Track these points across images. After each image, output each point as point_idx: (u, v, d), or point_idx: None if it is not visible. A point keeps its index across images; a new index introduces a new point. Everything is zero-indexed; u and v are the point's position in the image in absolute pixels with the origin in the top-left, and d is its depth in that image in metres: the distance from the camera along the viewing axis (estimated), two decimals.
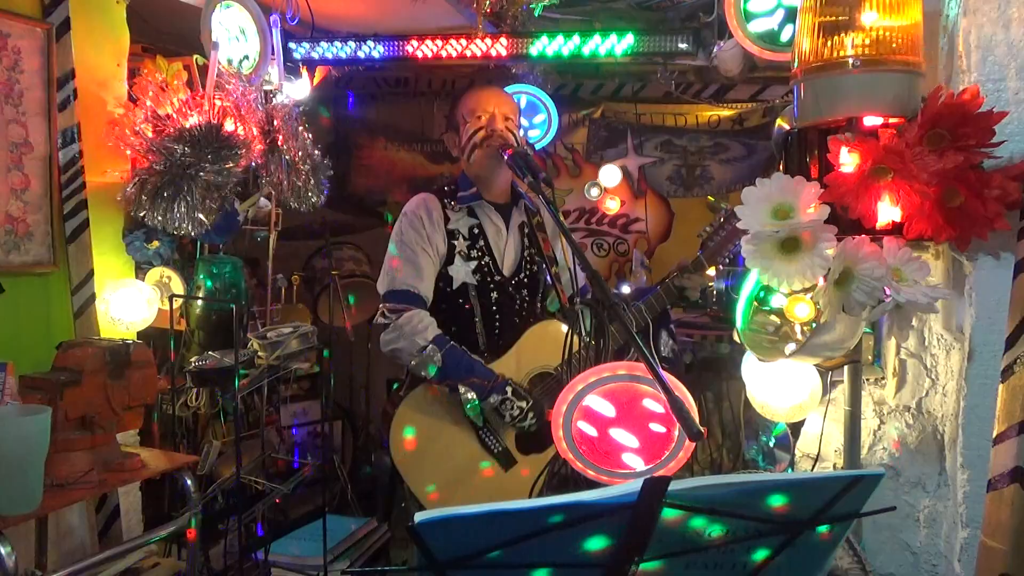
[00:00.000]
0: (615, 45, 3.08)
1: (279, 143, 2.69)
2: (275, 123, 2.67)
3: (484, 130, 2.15)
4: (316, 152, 2.85)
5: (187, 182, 2.38)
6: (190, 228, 2.43)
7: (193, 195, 2.38)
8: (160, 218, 2.39)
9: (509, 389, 2.02)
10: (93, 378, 2.01)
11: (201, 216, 2.41)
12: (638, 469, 1.39)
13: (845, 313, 1.59)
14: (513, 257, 2.25)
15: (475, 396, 2.01)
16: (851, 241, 1.56)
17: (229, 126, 2.52)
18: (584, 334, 1.54)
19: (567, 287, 2.22)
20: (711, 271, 2.04)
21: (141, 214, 2.42)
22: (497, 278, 2.21)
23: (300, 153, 2.74)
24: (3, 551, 1.68)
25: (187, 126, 2.43)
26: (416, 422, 2.12)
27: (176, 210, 2.38)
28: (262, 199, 2.96)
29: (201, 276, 2.78)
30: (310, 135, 2.81)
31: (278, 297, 3.36)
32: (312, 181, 2.80)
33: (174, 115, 2.47)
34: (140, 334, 2.64)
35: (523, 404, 2.01)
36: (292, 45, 3.34)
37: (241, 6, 2.75)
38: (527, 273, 2.25)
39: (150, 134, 2.48)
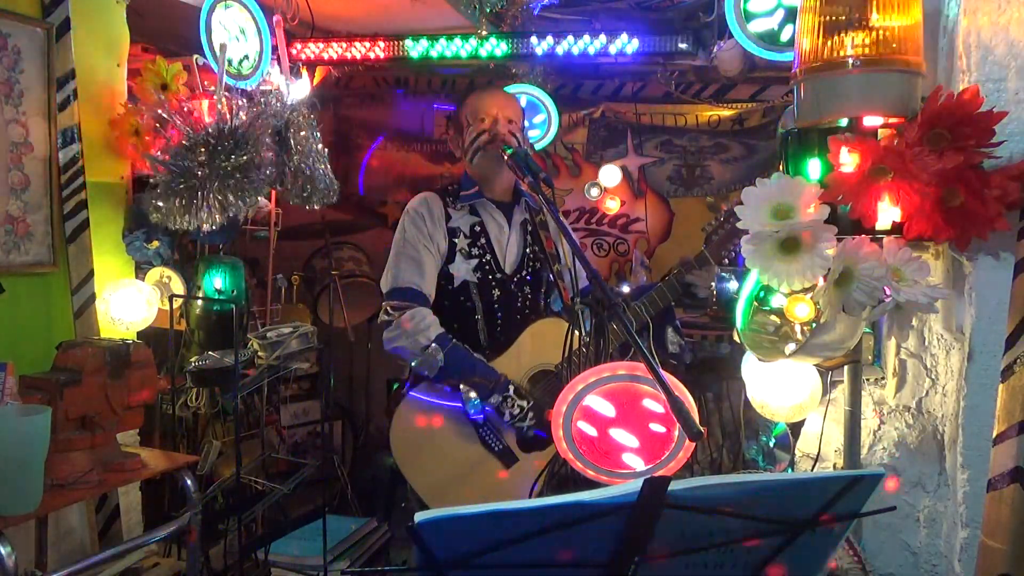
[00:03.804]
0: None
1: (290, 142, 2.69)
2: (286, 122, 2.67)
3: (487, 134, 2.16)
4: (324, 150, 2.86)
5: (209, 183, 2.38)
6: (206, 226, 2.43)
7: (214, 196, 2.38)
8: (188, 222, 2.40)
9: (511, 388, 2.02)
10: (93, 378, 2.01)
11: (216, 216, 2.41)
12: (638, 469, 1.39)
13: (845, 313, 1.59)
14: (515, 255, 2.25)
15: (477, 395, 2.01)
16: (851, 241, 1.57)
17: (233, 125, 2.52)
18: (584, 333, 1.54)
19: (569, 286, 2.22)
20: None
21: (172, 224, 2.43)
22: (499, 276, 2.21)
23: (310, 152, 2.74)
24: (3, 551, 1.68)
25: (201, 129, 2.43)
26: (417, 420, 2.12)
27: (199, 212, 2.38)
28: (262, 199, 2.96)
29: (201, 276, 2.78)
30: (318, 134, 2.82)
31: (278, 297, 3.36)
32: (323, 179, 2.79)
33: (181, 116, 2.47)
34: (140, 334, 2.64)
35: (523, 403, 2.01)
36: (292, 45, 3.35)
37: (241, 6, 2.75)
38: (529, 271, 2.26)
39: (147, 135, 2.48)
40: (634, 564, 0.95)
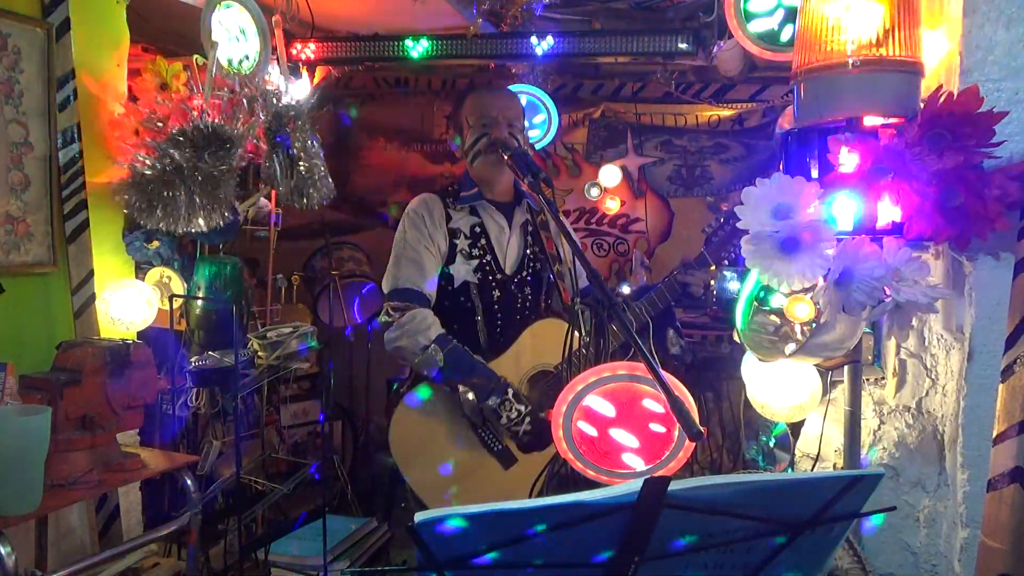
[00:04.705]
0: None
1: (286, 142, 2.69)
2: (283, 122, 2.67)
3: (488, 138, 2.15)
4: (319, 150, 2.86)
5: (185, 183, 2.37)
6: (188, 228, 2.42)
7: (192, 196, 2.37)
8: (158, 220, 2.39)
9: (510, 392, 2.02)
10: (93, 378, 2.01)
11: (200, 219, 2.41)
12: (638, 469, 1.39)
13: (845, 313, 1.59)
14: (515, 255, 2.25)
15: (475, 397, 2.01)
16: (851, 241, 1.57)
17: (228, 126, 2.51)
18: (584, 333, 1.54)
19: (570, 286, 2.22)
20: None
21: (137, 217, 2.42)
22: (499, 276, 2.21)
23: (305, 152, 2.74)
24: (3, 551, 1.68)
25: (187, 127, 2.43)
26: (417, 420, 2.12)
27: (173, 212, 2.38)
28: (262, 199, 2.97)
29: (201, 276, 2.78)
30: (317, 134, 2.82)
31: (278, 297, 3.36)
32: (318, 179, 2.79)
33: (180, 115, 2.47)
34: (140, 334, 2.64)
35: (521, 407, 2.02)
36: (292, 45, 3.35)
37: (241, 6, 2.75)
38: (530, 271, 2.26)
39: (148, 136, 2.48)
40: (634, 564, 0.95)
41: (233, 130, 2.47)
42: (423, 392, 2.13)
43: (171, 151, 2.36)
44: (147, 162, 2.37)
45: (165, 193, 2.37)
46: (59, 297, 2.47)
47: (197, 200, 2.39)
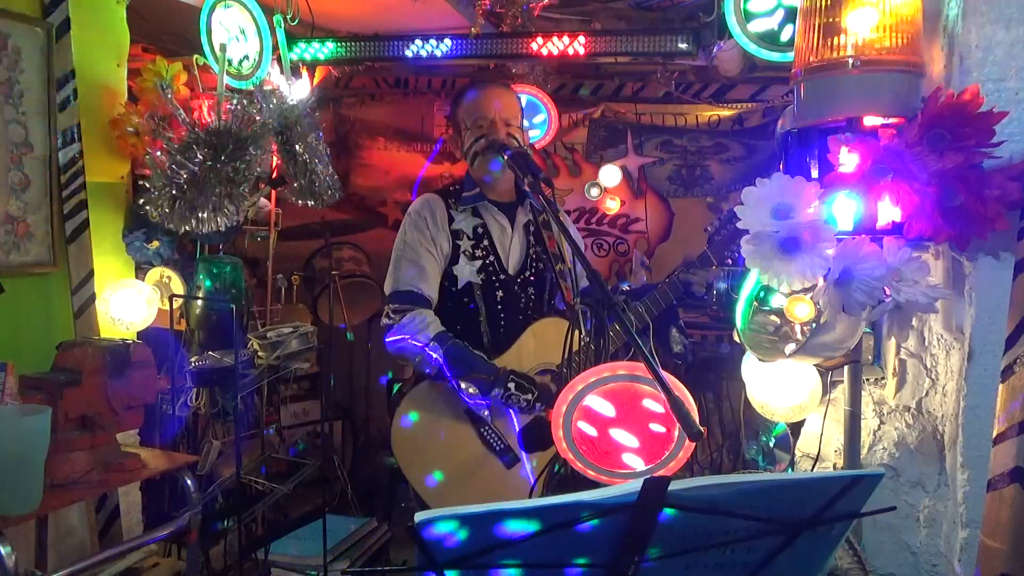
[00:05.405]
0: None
1: (293, 142, 2.69)
2: (287, 122, 2.67)
3: (485, 140, 2.15)
4: (326, 150, 2.86)
5: (209, 185, 2.37)
6: (210, 229, 2.42)
7: (219, 197, 2.36)
8: (183, 222, 2.38)
9: (512, 384, 2.01)
10: (93, 378, 2.01)
11: (219, 218, 2.40)
12: (638, 469, 1.39)
13: (845, 313, 1.59)
14: (518, 256, 2.25)
15: (477, 391, 2.01)
16: (851, 241, 1.57)
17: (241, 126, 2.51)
18: (584, 333, 1.54)
19: (572, 286, 2.22)
20: None
21: (170, 224, 2.40)
22: (502, 277, 2.21)
23: (313, 151, 2.74)
24: (3, 551, 1.68)
25: (203, 130, 2.42)
26: (418, 419, 2.12)
27: (196, 213, 2.37)
28: (262, 199, 2.97)
29: (201, 276, 2.78)
30: (321, 133, 2.82)
31: (278, 297, 3.36)
32: (327, 178, 2.80)
33: (181, 117, 2.47)
34: (140, 334, 2.64)
35: (528, 396, 2.01)
36: (292, 45, 3.34)
37: (241, 6, 2.75)
38: (533, 271, 2.26)
39: (160, 136, 2.47)
40: (634, 564, 0.95)
41: (247, 131, 2.46)
42: (426, 392, 2.14)
43: (196, 153, 2.35)
44: (171, 164, 2.36)
45: (192, 194, 2.37)
46: (59, 297, 2.47)
47: (218, 201, 2.39)
